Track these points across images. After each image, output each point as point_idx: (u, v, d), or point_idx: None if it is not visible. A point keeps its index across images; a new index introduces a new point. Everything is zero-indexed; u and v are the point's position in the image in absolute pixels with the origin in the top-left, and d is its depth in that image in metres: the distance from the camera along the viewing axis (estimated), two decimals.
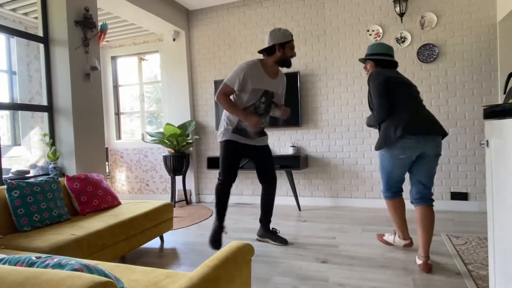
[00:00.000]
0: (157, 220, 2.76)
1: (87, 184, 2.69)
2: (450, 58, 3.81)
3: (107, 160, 5.38)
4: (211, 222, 3.74)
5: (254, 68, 2.65)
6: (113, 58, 5.54)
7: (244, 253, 1.35)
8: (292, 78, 4.30)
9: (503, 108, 1.31)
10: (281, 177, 4.54)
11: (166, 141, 4.50)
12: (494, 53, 3.65)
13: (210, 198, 4.94)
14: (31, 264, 0.93)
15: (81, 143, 3.12)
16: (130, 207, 2.76)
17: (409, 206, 3.86)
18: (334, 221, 3.55)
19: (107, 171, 5.33)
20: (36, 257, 0.96)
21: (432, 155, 2.24)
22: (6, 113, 4.81)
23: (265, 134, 2.88)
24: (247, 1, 4.61)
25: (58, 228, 2.18)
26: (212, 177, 4.90)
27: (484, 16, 3.68)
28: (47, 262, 0.93)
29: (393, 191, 2.48)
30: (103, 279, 0.82)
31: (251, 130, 2.75)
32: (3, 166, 3.03)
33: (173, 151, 4.58)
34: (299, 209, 4.15)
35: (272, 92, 2.77)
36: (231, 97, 2.72)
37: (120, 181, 5.47)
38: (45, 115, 3.12)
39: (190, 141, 4.70)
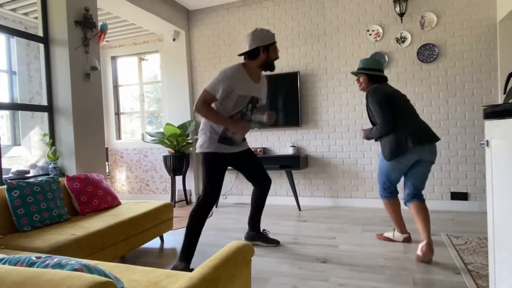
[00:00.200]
0: (157, 220, 2.76)
1: (87, 184, 2.69)
2: (450, 58, 3.81)
3: (107, 160, 5.38)
4: (211, 222, 3.74)
5: (239, 74, 2.40)
6: (113, 58, 5.54)
7: (244, 253, 1.35)
8: (292, 78, 4.30)
9: (503, 108, 1.31)
10: (281, 177, 4.54)
11: (166, 141, 4.50)
12: (494, 53, 3.65)
13: None
14: (31, 264, 0.93)
15: (81, 143, 3.12)
16: (130, 207, 2.76)
17: (404, 206, 3.85)
18: (334, 221, 3.55)
19: (107, 171, 5.33)
20: (36, 257, 0.96)
21: (428, 161, 2.48)
22: (6, 113, 4.81)
23: (245, 139, 2.68)
24: (247, 1, 4.61)
25: (58, 228, 2.18)
26: None
27: (484, 16, 3.68)
28: (47, 262, 0.93)
29: (390, 192, 2.71)
30: (103, 279, 0.82)
31: (238, 137, 2.53)
32: (3, 166, 3.03)
33: (173, 151, 4.58)
34: (299, 209, 4.15)
35: (257, 97, 2.56)
36: (213, 105, 2.43)
37: (120, 181, 5.47)
38: (45, 115, 3.12)
39: (190, 141, 4.71)
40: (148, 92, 5.56)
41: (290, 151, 4.30)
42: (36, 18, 4.39)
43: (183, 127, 4.66)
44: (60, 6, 3.00)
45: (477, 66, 3.72)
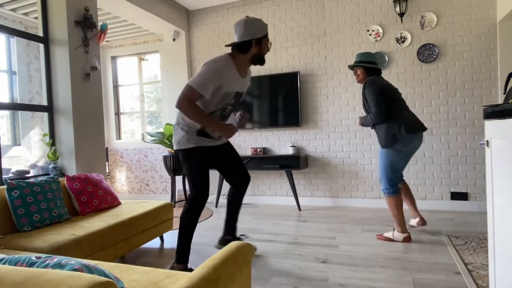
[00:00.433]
0: (157, 220, 2.76)
1: (87, 184, 2.69)
2: (450, 58, 3.81)
3: (107, 160, 5.38)
4: (211, 222, 3.74)
5: (229, 69, 2.18)
6: (113, 58, 5.54)
7: (244, 253, 1.35)
8: (292, 78, 4.30)
9: (503, 108, 1.31)
10: (281, 177, 4.54)
11: (166, 141, 4.50)
12: (494, 53, 3.65)
13: (210, 198, 4.94)
14: (31, 264, 0.93)
15: (81, 143, 3.12)
16: (130, 207, 2.76)
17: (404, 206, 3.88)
18: (334, 221, 3.55)
19: (107, 171, 5.33)
20: (36, 257, 0.96)
21: (417, 147, 2.76)
22: (6, 113, 4.81)
23: None
24: (247, 1, 4.61)
25: (58, 228, 2.18)
26: (212, 177, 4.89)
27: (484, 16, 3.68)
28: (47, 262, 0.93)
29: (395, 187, 2.79)
30: (103, 279, 0.82)
31: (216, 134, 2.34)
32: (3, 166, 3.03)
33: (173, 151, 4.58)
34: (299, 209, 4.15)
35: (242, 92, 2.38)
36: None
37: (120, 181, 5.47)
38: (45, 115, 3.12)
39: None
40: (148, 92, 5.56)
41: (290, 151, 4.30)
42: (36, 18, 4.39)
43: None
44: (60, 6, 3.00)
45: (477, 66, 3.72)
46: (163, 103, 5.19)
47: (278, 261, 2.50)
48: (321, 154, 4.35)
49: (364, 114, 3.01)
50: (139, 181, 5.35)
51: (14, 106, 3.69)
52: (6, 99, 4.76)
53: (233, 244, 1.37)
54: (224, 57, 2.19)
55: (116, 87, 5.56)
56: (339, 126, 4.25)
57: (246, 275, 1.38)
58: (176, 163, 4.50)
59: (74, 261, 0.93)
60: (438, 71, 3.85)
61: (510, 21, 3.54)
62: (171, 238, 3.18)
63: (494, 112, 1.37)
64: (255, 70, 4.60)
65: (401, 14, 3.85)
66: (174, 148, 2.31)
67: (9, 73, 4.81)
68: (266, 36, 2.24)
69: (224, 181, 4.78)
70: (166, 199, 5.12)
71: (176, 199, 4.82)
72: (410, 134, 2.63)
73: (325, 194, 4.35)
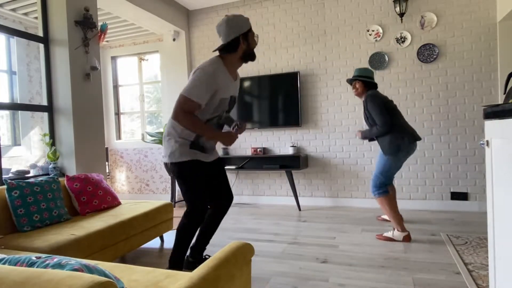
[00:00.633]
0: (157, 220, 2.76)
1: (87, 184, 2.69)
2: (450, 58, 3.81)
3: (107, 160, 5.38)
4: None
5: (222, 72, 2.08)
6: (113, 58, 5.54)
7: (244, 253, 1.35)
8: (292, 78, 4.30)
9: (503, 108, 1.31)
10: (281, 177, 4.54)
11: None
12: (494, 53, 3.65)
13: None
14: (31, 264, 0.93)
15: (81, 143, 3.12)
16: (130, 207, 2.76)
17: (404, 206, 3.90)
18: (334, 221, 3.55)
19: (107, 171, 5.33)
20: (36, 257, 0.96)
21: (411, 155, 2.98)
22: (6, 113, 4.81)
23: (215, 147, 2.35)
24: (247, 1, 4.61)
25: (58, 228, 2.18)
26: None
27: (484, 16, 3.68)
28: (47, 262, 0.93)
29: (385, 187, 2.91)
30: (103, 279, 0.82)
31: (210, 145, 2.23)
32: (3, 166, 3.03)
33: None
34: (299, 209, 4.15)
35: (235, 97, 2.27)
36: None
37: (120, 181, 5.47)
38: (45, 115, 3.12)
39: None
40: (148, 92, 5.56)
41: (290, 151, 4.30)
42: (36, 18, 4.39)
43: None
44: (60, 6, 3.00)
45: (477, 66, 3.72)
46: (163, 103, 5.19)
47: (278, 261, 2.50)
48: (321, 154, 4.35)
49: (364, 127, 3.09)
50: (139, 181, 5.35)
51: (14, 106, 3.69)
52: (6, 99, 4.76)
53: (233, 244, 1.37)
54: (215, 61, 2.09)
55: (116, 87, 5.56)
56: (339, 126, 4.25)
57: (246, 275, 1.38)
58: None
59: (74, 261, 0.93)
60: (438, 71, 3.85)
61: (510, 21, 3.54)
62: (171, 238, 3.18)
63: (494, 112, 1.37)
64: (255, 70, 4.60)
65: (401, 14, 3.85)
66: (166, 161, 2.15)
67: (9, 73, 4.81)
68: (251, 29, 2.15)
69: None
70: (166, 199, 5.12)
71: (176, 199, 4.82)
72: (412, 143, 2.82)
73: (325, 194, 4.35)
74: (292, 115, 4.30)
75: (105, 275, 0.94)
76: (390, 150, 2.81)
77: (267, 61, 4.56)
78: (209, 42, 4.85)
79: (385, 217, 3.47)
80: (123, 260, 2.65)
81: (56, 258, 0.95)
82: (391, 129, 2.80)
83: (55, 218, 2.31)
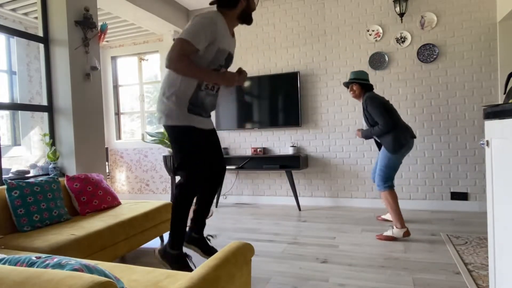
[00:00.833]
0: (157, 220, 2.76)
1: (87, 184, 2.69)
2: (450, 58, 3.81)
3: (107, 160, 5.38)
4: (211, 222, 3.74)
5: (221, 21, 2.00)
6: (113, 58, 5.54)
7: (244, 253, 1.35)
8: (292, 78, 4.30)
9: (503, 108, 1.31)
10: (281, 177, 4.54)
11: (166, 141, 4.50)
12: (494, 53, 3.65)
13: None
14: (31, 264, 0.93)
15: (81, 143, 3.12)
16: (130, 207, 2.76)
17: (404, 206, 3.90)
18: (334, 221, 3.55)
19: (107, 171, 5.33)
20: (36, 257, 0.96)
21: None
22: (6, 113, 4.81)
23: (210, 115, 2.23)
24: None
25: (58, 228, 2.18)
26: None
27: (484, 16, 3.68)
28: (47, 262, 0.93)
29: (391, 181, 2.98)
30: (103, 279, 0.82)
31: (209, 102, 2.11)
32: (3, 166, 3.03)
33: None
34: (299, 209, 4.15)
35: (232, 54, 2.18)
36: None
37: (120, 181, 5.47)
38: (45, 115, 3.12)
39: None
40: (148, 92, 5.55)
41: (290, 151, 4.30)
42: (36, 18, 4.39)
43: None
44: (60, 6, 3.00)
45: (477, 66, 3.72)
46: None
47: (278, 261, 2.50)
48: (321, 154, 4.35)
49: (364, 127, 3.17)
50: (139, 181, 5.35)
51: (14, 106, 3.69)
52: (6, 99, 4.76)
53: (233, 244, 1.37)
54: (214, 11, 2.01)
55: (116, 87, 5.56)
56: (339, 126, 4.25)
57: (246, 275, 1.38)
58: None
59: (74, 261, 0.93)
60: (438, 71, 3.85)
61: (510, 21, 3.54)
62: None
63: (494, 112, 1.37)
64: (255, 70, 4.60)
65: (401, 14, 3.85)
66: (161, 123, 2.03)
67: (9, 73, 4.81)
68: None
69: (225, 179, 4.78)
70: (166, 199, 5.11)
71: None
72: (411, 140, 2.95)
73: (325, 194, 4.35)
74: (292, 115, 4.31)
75: (105, 275, 0.94)
76: (394, 148, 2.90)
77: (267, 61, 4.56)
78: None
79: (385, 217, 3.48)
80: (123, 260, 2.65)
81: (56, 258, 0.95)
82: (392, 128, 2.89)
83: (55, 218, 2.31)
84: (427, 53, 3.86)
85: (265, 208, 4.31)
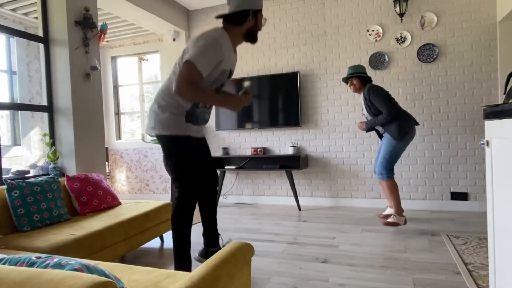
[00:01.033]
0: (157, 220, 2.76)
1: (87, 184, 2.69)
2: (450, 58, 3.81)
3: (107, 160, 5.38)
4: None
5: (226, 43, 1.95)
6: (113, 58, 5.54)
7: (244, 253, 1.35)
8: (292, 78, 4.30)
9: (503, 108, 1.31)
10: (281, 177, 4.54)
11: None
12: (494, 53, 3.65)
13: None
14: (31, 264, 0.93)
15: (81, 143, 3.12)
16: (130, 207, 2.76)
17: (404, 206, 3.89)
18: (334, 221, 3.55)
19: (107, 171, 5.33)
20: (36, 257, 0.96)
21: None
22: (6, 113, 4.81)
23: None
24: None
25: (58, 228, 2.18)
26: None
27: (484, 16, 3.68)
28: (47, 262, 0.93)
29: (392, 170, 3.12)
30: (103, 279, 0.82)
31: (206, 117, 2.11)
32: (3, 166, 3.03)
33: None
34: (299, 209, 4.15)
35: (233, 71, 2.17)
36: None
37: (120, 181, 5.47)
38: (45, 115, 3.12)
39: None
40: (148, 92, 5.55)
41: (290, 151, 4.30)
42: (36, 18, 4.39)
43: None
44: (60, 6, 3.00)
45: (477, 66, 3.72)
46: None
47: (278, 261, 2.50)
48: (321, 154, 4.35)
49: (363, 118, 3.28)
50: (139, 181, 5.35)
51: (14, 106, 3.69)
52: (6, 99, 4.76)
53: (233, 244, 1.37)
54: (220, 30, 1.96)
55: (116, 87, 5.56)
56: (339, 126, 4.25)
57: (246, 275, 1.38)
58: None
59: (74, 261, 0.93)
60: (438, 71, 3.85)
61: (510, 21, 3.54)
62: (171, 238, 3.18)
63: (494, 112, 1.37)
64: (255, 70, 4.60)
65: (401, 14, 3.85)
66: (157, 132, 1.97)
67: (9, 73, 4.81)
68: (261, 10, 2.05)
69: (225, 179, 4.78)
70: (166, 199, 5.11)
71: None
72: (414, 126, 3.09)
73: (325, 194, 4.35)
74: (292, 115, 4.30)
75: (105, 275, 0.94)
76: (400, 135, 3.00)
77: (267, 61, 4.56)
78: None
79: (386, 213, 3.55)
80: (123, 260, 2.65)
81: (56, 258, 0.95)
82: (396, 117, 3.01)
83: (55, 218, 2.31)
84: (427, 53, 3.86)
85: (265, 208, 4.31)
